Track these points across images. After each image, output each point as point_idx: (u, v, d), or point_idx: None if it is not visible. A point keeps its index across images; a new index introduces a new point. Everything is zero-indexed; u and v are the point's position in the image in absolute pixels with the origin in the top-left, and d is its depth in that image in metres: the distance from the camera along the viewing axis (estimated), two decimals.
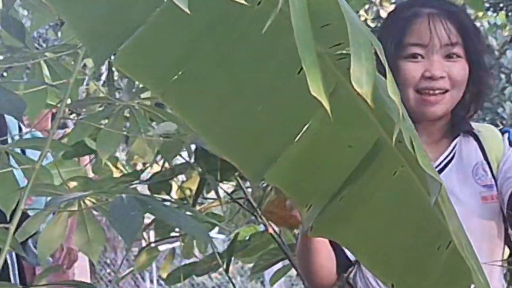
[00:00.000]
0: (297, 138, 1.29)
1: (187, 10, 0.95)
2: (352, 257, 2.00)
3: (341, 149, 1.31)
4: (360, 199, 1.34)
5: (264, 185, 2.85)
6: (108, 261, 8.79)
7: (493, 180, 1.99)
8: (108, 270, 8.98)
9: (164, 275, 3.13)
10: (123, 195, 1.71)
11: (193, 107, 1.30)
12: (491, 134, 2.04)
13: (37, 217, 2.14)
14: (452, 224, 1.15)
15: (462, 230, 1.22)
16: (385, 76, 1.06)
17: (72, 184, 2.62)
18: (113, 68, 2.63)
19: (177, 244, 3.66)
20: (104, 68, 3.20)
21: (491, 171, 1.99)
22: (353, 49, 1.03)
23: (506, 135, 2.03)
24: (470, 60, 1.98)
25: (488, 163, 2.00)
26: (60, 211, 2.05)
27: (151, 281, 9.42)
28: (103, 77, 3.24)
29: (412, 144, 1.09)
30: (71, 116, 3.46)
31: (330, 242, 1.97)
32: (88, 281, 5.29)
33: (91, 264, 5.44)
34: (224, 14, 1.20)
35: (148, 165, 2.95)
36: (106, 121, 2.29)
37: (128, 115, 2.25)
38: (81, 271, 4.80)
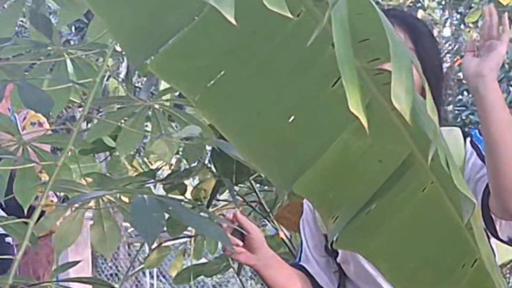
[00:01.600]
0: (328, 150, 1.29)
1: (233, 21, 0.94)
2: None
3: (371, 163, 1.32)
4: (387, 213, 1.34)
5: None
6: None
7: None
8: (109, 264, 8.99)
9: (173, 274, 3.13)
10: (145, 196, 1.71)
11: (226, 114, 1.30)
12: (453, 141, 1.94)
13: (55, 212, 2.14)
14: (483, 245, 1.16)
15: (491, 251, 1.23)
16: None
17: (87, 180, 2.62)
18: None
19: (184, 240, 3.65)
20: (123, 66, 3.21)
21: None
22: (394, 66, 1.03)
23: (468, 138, 1.96)
24: (424, 67, 1.90)
25: None
26: (77, 208, 2.05)
27: (152, 276, 9.45)
28: (122, 75, 3.25)
29: (447, 163, 1.09)
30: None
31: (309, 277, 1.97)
32: (90, 274, 5.30)
33: (93, 257, 5.44)
34: (263, 24, 1.20)
35: (162, 164, 2.96)
36: (126, 119, 2.28)
37: (148, 114, 2.25)
38: (82, 264, 4.81)
